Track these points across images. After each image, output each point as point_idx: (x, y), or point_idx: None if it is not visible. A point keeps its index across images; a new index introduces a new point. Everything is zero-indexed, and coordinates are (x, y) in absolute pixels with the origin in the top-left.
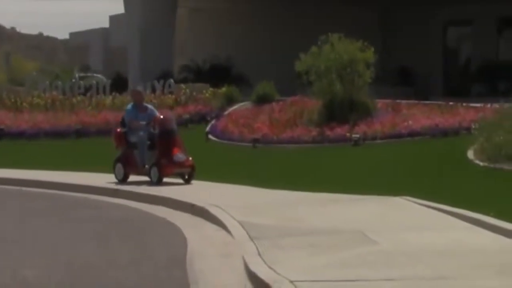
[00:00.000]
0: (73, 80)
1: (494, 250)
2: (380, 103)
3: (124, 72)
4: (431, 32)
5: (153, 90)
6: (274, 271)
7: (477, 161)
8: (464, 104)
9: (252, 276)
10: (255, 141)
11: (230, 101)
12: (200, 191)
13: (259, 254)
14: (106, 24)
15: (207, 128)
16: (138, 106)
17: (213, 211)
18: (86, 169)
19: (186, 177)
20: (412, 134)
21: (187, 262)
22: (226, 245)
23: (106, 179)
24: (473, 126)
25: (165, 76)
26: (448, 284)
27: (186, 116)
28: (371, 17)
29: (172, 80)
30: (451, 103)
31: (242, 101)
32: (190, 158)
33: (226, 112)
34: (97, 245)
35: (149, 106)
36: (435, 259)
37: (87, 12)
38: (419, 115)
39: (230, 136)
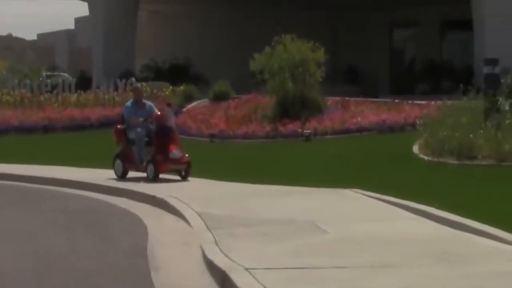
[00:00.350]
0: (41, 79)
1: (437, 239)
2: (330, 100)
3: (88, 71)
4: (378, 33)
5: (116, 88)
6: (230, 259)
7: (421, 156)
8: (409, 101)
9: (209, 264)
10: (212, 136)
11: (189, 98)
12: (159, 183)
13: (216, 243)
14: (71, 26)
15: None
16: (137, 103)
17: (173, 202)
18: (53, 163)
19: (183, 173)
20: (360, 130)
21: (148, 250)
22: (185, 234)
23: (73, 172)
24: (418, 122)
25: (127, 75)
26: (393, 271)
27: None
28: (321, 19)
29: (133, 79)
30: (397, 100)
31: (199, 99)
32: (187, 155)
33: (184, 109)
34: (63, 235)
35: (148, 103)
36: (382, 248)
37: (54, 15)
38: (367, 112)
39: (189, 131)
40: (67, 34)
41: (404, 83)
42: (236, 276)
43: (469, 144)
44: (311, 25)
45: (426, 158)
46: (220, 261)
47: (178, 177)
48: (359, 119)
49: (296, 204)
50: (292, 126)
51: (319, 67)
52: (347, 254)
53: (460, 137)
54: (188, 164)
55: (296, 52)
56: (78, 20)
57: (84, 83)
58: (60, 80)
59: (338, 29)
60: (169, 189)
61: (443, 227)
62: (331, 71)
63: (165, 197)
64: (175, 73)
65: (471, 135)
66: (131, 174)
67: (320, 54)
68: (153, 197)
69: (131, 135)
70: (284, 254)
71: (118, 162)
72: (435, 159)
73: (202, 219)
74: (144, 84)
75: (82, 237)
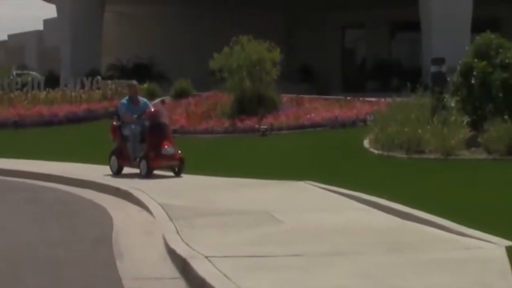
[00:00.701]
0: (11, 77)
1: (387, 229)
2: (285, 97)
3: (56, 70)
4: (331, 34)
5: (83, 86)
6: (191, 247)
7: (372, 150)
8: (360, 98)
9: (171, 252)
10: (174, 131)
11: (152, 96)
12: (123, 176)
13: (177, 233)
14: (40, 27)
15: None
16: (132, 100)
17: (136, 194)
18: (23, 156)
19: (176, 169)
20: (314, 125)
21: (113, 239)
22: (148, 224)
23: (42, 165)
24: (369, 118)
25: (93, 73)
26: (345, 259)
27: (112, 109)
28: (277, 21)
29: (99, 77)
30: (348, 98)
31: (162, 96)
32: (179, 152)
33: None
34: (32, 225)
35: (143, 99)
36: (335, 237)
37: (23, 16)
38: (320, 109)
39: None
40: (36, 35)
41: (355, 81)
42: (196, 264)
43: (417, 139)
44: (267, 26)
45: (376, 152)
46: (181, 250)
47: (171, 173)
48: (312, 115)
49: (253, 196)
50: (249, 122)
51: (274, 66)
52: (302, 243)
53: (409, 132)
54: (181, 160)
55: (253, 52)
56: (46, 22)
57: (52, 81)
58: (30, 79)
59: (293, 30)
60: (132, 181)
61: (393, 218)
62: (286, 70)
63: (129, 189)
64: (139, 72)
65: (419, 130)
66: (126, 170)
67: (276, 54)
68: (117, 189)
69: (126, 131)
70: (242, 243)
71: (113, 158)
72: (385, 153)
73: (164, 209)
74: (109, 82)
75: (51, 227)
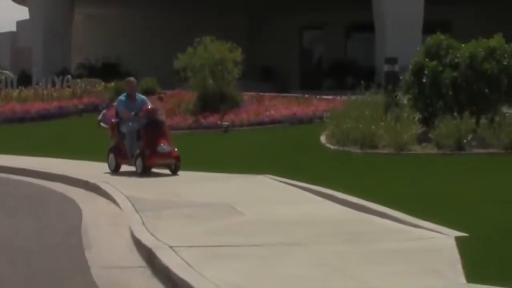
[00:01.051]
0: None
1: (342, 220)
2: (246, 95)
3: (28, 69)
4: (290, 35)
5: (53, 84)
6: (156, 238)
7: (328, 145)
8: (317, 96)
9: (137, 242)
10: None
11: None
12: (92, 169)
13: (143, 224)
14: (13, 28)
15: (99, 117)
16: (130, 97)
17: (104, 187)
18: None
19: (173, 167)
20: (273, 122)
21: (82, 230)
22: (115, 216)
23: (15, 160)
24: (325, 115)
25: (63, 72)
26: (303, 249)
27: (81, 106)
28: (239, 22)
29: (69, 76)
30: (306, 95)
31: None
32: (176, 149)
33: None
34: (5, 217)
35: (141, 96)
36: (293, 228)
37: None
38: (279, 106)
39: None
40: (9, 35)
41: (312, 80)
42: (161, 253)
43: (371, 135)
44: (229, 27)
45: (332, 147)
46: (147, 240)
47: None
48: (272, 112)
49: (216, 189)
50: (212, 119)
51: (236, 66)
52: (261, 233)
53: (363, 128)
54: (178, 158)
55: (216, 52)
56: (19, 23)
57: (24, 80)
58: (3, 77)
59: (254, 31)
60: (101, 174)
61: (348, 210)
62: (247, 69)
63: (97, 182)
64: (107, 71)
65: (373, 127)
66: (124, 167)
67: (237, 54)
68: (86, 182)
69: (123, 128)
70: (205, 233)
71: (111, 156)
72: (340, 148)
73: (131, 202)
74: (79, 80)
75: (23, 219)
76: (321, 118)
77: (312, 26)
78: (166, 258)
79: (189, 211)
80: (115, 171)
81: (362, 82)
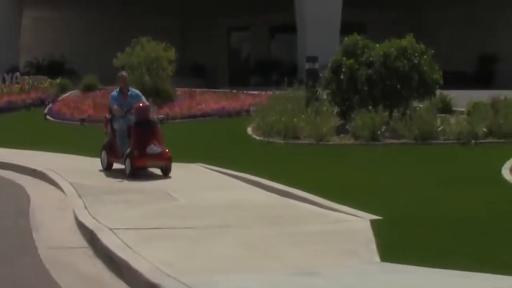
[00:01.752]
0: None
1: (268, 205)
2: (179, 91)
3: None
4: (219, 36)
5: (4, 81)
6: (97, 221)
7: (254, 136)
8: (244, 92)
9: (80, 225)
10: (82, 120)
11: (63, 89)
12: (38, 158)
13: (86, 208)
14: None
15: (45, 110)
16: (122, 92)
17: (50, 174)
18: None
19: (164, 169)
20: (204, 115)
21: (30, 214)
22: (60, 201)
23: None
24: (251, 109)
25: (13, 70)
26: (232, 231)
27: (29, 101)
28: (172, 24)
29: (18, 73)
30: (234, 91)
31: (72, 90)
32: (167, 150)
33: (60, 98)
34: None
35: (135, 91)
36: (223, 212)
37: None
38: (210, 101)
39: (63, 116)
40: None
41: (240, 76)
42: (102, 235)
43: (293, 127)
44: (163, 29)
45: (258, 138)
46: (89, 223)
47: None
48: (203, 106)
49: (153, 177)
50: None
51: (170, 64)
52: (194, 217)
53: (286, 121)
54: (169, 159)
55: (152, 51)
56: None
57: None
58: None
59: (186, 32)
60: (47, 163)
61: (273, 195)
62: (180, 67)
63: (44, 170)
64: (52, 69)
65: (295, 119)
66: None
67: (171, 53)
68: (34, 170)
69: (115, 125)
70: (143, 217)
71: (103, 154)
72: (266, 139)
73: (74, 188)
74: (26, 77)
75: None
76: (248, 111)
77: (239, 28)
78: (107, 239)
79: (128, 197)
80: (107, 169)
81: (285, 78)
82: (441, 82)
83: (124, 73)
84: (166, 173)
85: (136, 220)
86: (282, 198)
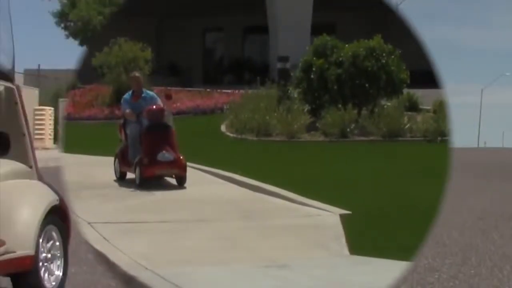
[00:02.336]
0: None
1: (241, 200)
2: (155, 89)
3: None
4: (194, 36)
5: None
6: (76, 215)
7: (228, 133)
8: (218, 90)
9: None
10: (62, 118)
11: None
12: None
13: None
14: None
15: None
16: (135, 94)
17: None
18: None
19: (178, 178)
20: (179, 113)
21: None
22: None
23: None
24: (225, 107)
25: None
26: (206, 225)
27: None
28: (149, 25)
29: None
30: (208, 90)
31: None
32: (182, 157)
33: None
34: None
35: (150, 93)
36: (198, 207)
37: None
38: (185, 99)
39: None
40: None
41: (214, 75)
42: (80, 229)
43: (266, 124)
44: (140, 29)
45: (231, 135)
46: None
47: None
48: (178, 104)
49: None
50: None
51: (146, 63)
52: (170, 211)
53: (258, 118)
54: (183, 168)
55: (129, 51)
56: None
57: None
58: None
59: (162, 32)
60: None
61: (246, 190)
62: (157, 66)
63: None
64: None
65: (267, 117)
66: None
67: (148, 53)
68: None
69: (128, 131)
70: (119, 211)
71: (116, 162)
72: (239, 136)
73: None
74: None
75: None
76: (221, 109)
77: (214, 28)
78: (85, 233)
79: (104, 191)
80: (121, 179)
81: (258, 78)
82: (408, 81)
83: (137, 73)
84: (181, 183)
85: (114, 214)
86: (254, 193)
